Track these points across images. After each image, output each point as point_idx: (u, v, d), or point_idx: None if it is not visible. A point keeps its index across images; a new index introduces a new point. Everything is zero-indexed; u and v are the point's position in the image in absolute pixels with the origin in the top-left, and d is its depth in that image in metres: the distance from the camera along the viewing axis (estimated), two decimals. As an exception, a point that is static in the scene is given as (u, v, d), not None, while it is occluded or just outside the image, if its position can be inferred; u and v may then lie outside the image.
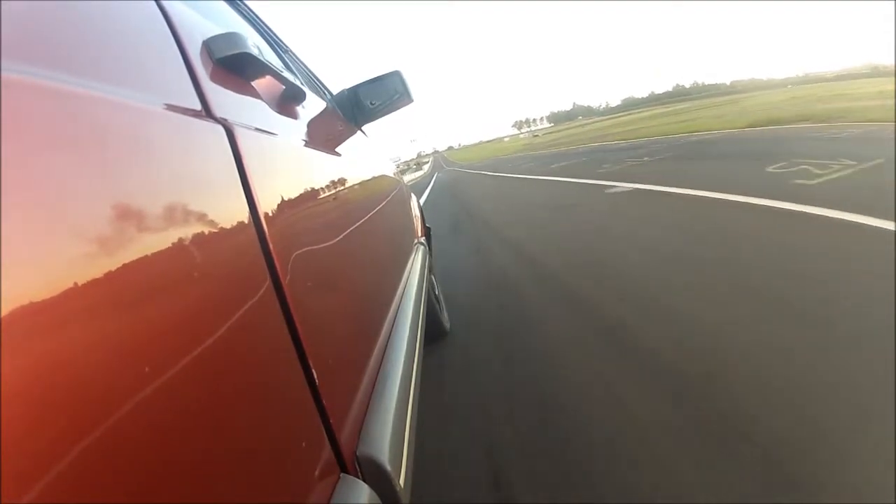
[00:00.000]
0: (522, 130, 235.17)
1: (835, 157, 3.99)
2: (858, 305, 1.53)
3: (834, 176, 3.36)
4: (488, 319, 2.23)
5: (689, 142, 8.62)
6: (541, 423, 1.36)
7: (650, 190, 4.45)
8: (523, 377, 1.64)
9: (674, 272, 2.24)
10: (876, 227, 2.12)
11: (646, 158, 7.36)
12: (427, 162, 65.60)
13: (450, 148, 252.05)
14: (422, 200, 7.94)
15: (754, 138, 7.08)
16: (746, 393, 1.24)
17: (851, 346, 1.33)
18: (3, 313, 0.17)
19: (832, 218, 2.41)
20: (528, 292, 2.47)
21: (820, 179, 3.35)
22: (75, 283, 0.20)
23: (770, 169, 4.11)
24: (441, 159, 64.64)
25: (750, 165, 4.57)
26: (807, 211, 2.64)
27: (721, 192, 3.55)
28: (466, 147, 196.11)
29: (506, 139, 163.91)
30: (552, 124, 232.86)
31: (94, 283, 0.21)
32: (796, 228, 2.46)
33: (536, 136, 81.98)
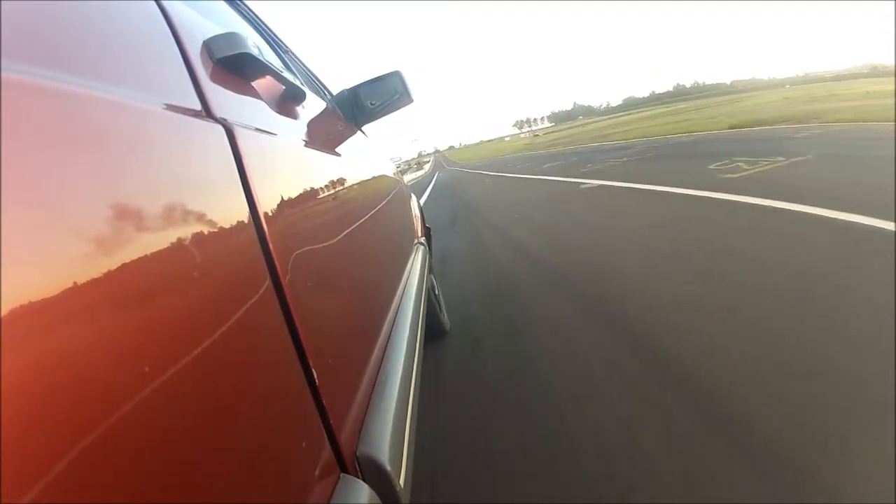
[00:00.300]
0: (523, 130, 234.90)
1: (770, 155, 4.73)
2: (724, 256, 2.26)
3: (758, 170, 4.15)
4: (471, 251, 3.89)
5: (668, 143, 9.51)
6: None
7: (611, 185, 5.48)
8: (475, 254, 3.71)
9: (586, 230, 3.65)
10: (764, 206, 2.90)
11: (624, 159, 8.24)
12: (428, 161, 65.57)
13: (451, 147, 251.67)
14: (423, 199, 8.70)
15: (726, 139, 7.75)
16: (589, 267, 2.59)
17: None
18: (4, 313, 0.17)
19: (735, 201, 3.20)
20: (500, 249, 3.73)
21: (744, 174, 4.14)
22: (75, 283, 0.20)
23: (711, 166, 4.89)
24: (442, 159, 64.66)
25: (699, 163, 5.36)
26: (717, 197, 3.44)
27: (660, 185, 4.47)
28: (467, 147, 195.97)
29: (507, 139, 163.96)
30: (553, 124, 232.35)
31: (94, 283, 0.21)
32: (704, 209, 3.30)
33: (537, 135, 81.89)
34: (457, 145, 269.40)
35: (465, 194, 9.69)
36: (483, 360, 1.79)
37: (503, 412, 1.41)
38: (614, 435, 1.17)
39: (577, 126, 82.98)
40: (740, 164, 4.61)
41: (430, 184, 16.67)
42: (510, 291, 2.52)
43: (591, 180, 6.15)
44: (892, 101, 7.10)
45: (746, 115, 11.07)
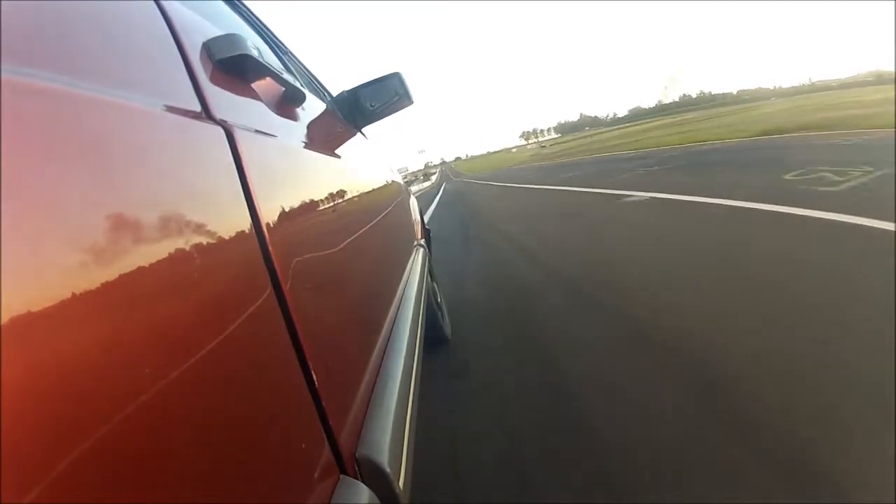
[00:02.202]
0: (530, 141, 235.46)
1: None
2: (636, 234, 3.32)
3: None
4: (466, 228, 6.22)
5: (639, 155, 11.21)
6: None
7: (573, 189, 7.29)
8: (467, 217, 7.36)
9: (544, 215, 5.50)
10: (684, 200, 3.99)
11: (643, 170, 9.56)
12: (435, 172, 65.85)
13: (457, 158, 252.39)
14: (431, 209, 11.06)
15: (693, 152, 8.92)
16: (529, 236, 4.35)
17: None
18: (3, 315, 0.17)
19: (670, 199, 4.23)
20: (490, 231, 5.41)
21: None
22: (73, 286, 0.20)
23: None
24: (449, 170, 65.08)
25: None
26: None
27: (607, 189, 6.02)
28: (474, 158, 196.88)
29: (513, 150, 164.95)
30: (559, 135, 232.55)
31: (92, 286, 0.21)
32: (629, 205, 4.53)
33: (543, 147, 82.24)
34: (463, 156, 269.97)
35: (469, 199, 11.29)
36: (463, 226, 6.20)
37: (460, 217, 7.39)
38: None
39: (582, 138, 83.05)
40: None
41: (436, 195, 16.76)
42: (480, 236, 5.08)
43: (574, 187, 7.61)
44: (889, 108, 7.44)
45: (719, 131, 11.75)
